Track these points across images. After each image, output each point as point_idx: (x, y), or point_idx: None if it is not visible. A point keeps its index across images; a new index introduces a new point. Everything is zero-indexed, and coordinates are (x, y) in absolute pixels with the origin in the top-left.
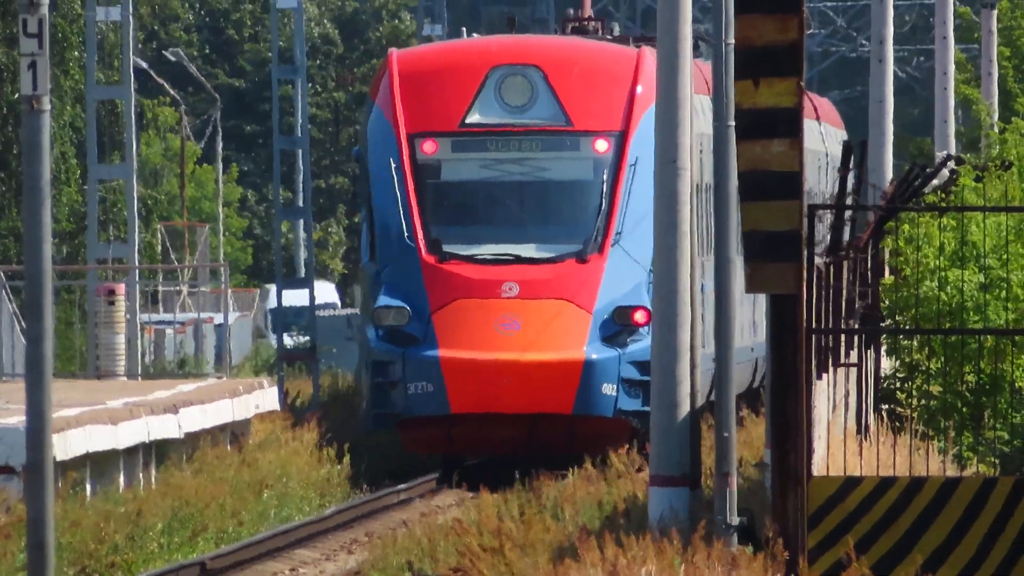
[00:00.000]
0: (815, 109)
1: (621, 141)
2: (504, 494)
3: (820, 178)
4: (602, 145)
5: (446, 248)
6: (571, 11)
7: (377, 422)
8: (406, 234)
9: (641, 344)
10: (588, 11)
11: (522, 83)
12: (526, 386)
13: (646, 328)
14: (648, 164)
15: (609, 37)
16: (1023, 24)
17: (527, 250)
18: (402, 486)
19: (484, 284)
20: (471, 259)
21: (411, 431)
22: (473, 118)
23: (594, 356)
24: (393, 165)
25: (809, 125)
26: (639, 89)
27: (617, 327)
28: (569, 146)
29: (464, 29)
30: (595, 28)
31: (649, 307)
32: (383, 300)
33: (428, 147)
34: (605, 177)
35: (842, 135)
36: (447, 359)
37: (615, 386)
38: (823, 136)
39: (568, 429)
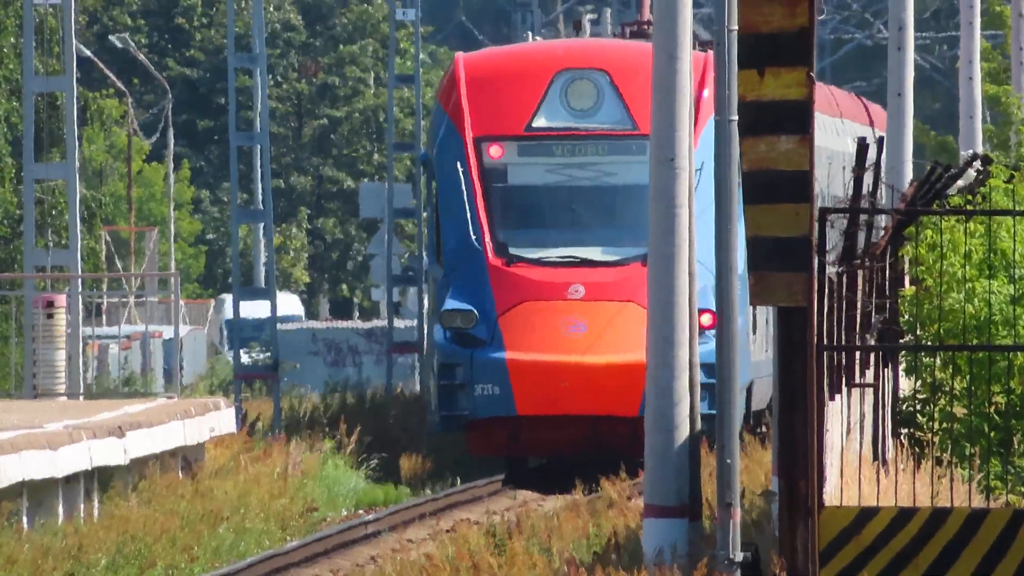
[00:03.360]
0: (868, 114)
1: None
2: (486, 526)
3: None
4: None
5: (512, 251)
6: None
7: (444, 424)
8: (473, 237)
9: (707, 347)
10: (647, 14)
11: (588, 87)
12: (591, 388)
13: (712, 331)
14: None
15: None
16: None
17: (593, 253)
18: (370, 517)
19: (550, 286)
20: (537, 262)
21: (477, 433)
22: (539, 122)
23: None
24: (460, 169)
25: (863, 131)
26: (705, 93)
27: None
28: (635, 150)
29: (530, 33)
30: None
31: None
32: (450, 303)
33: (495, 151)
34: None
35: None
36: (513, 361)
37: None
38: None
39: (632, 431)
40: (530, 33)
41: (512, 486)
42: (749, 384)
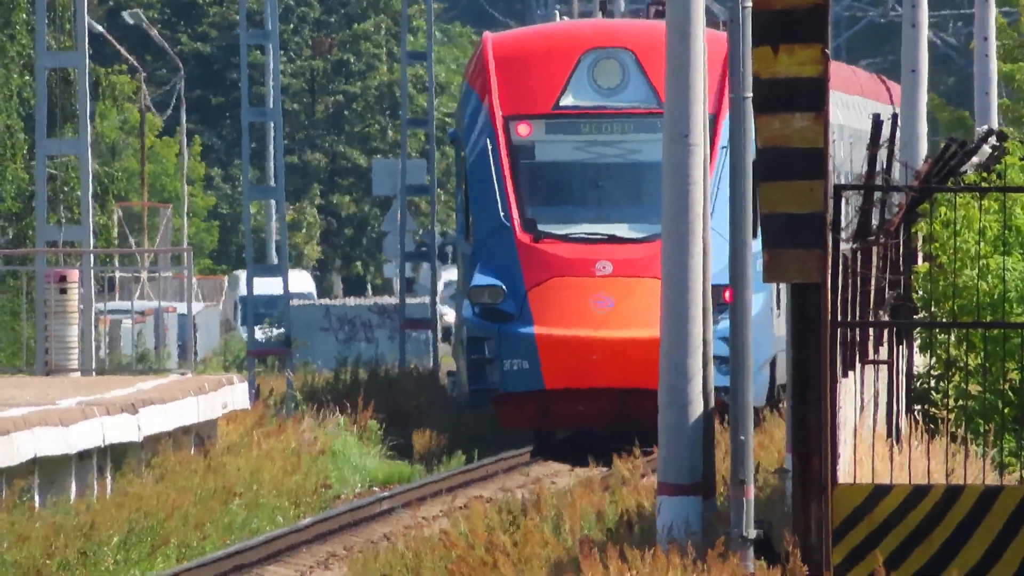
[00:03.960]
0: (889, 93)
1: (712, 123)
2: (498, 504)
3: None
4: None
5: (541, 227)
6: None
7: (473, 398)
8: (502, 214)
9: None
10: None
11: (614, 66)
12: (619, 362)
13: None
14: None
15: None
16: None
17: (620, 229)
18: (384, 494)
19: (578, 263)
20: (565, 238)
21: (506, 407)
22: (567, 101)
23: None
24: (489, 147)
25: (884, 110)
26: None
27: None
28: (660, 128)
29: (557, 12)
30: None
31: None
32: (479, 279)
33: (523, 129)
34: None
35: None
36: (542, 336)
37: None
38: None
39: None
40: (556, 13)
41: (540, 459)
42: (772, 358)
